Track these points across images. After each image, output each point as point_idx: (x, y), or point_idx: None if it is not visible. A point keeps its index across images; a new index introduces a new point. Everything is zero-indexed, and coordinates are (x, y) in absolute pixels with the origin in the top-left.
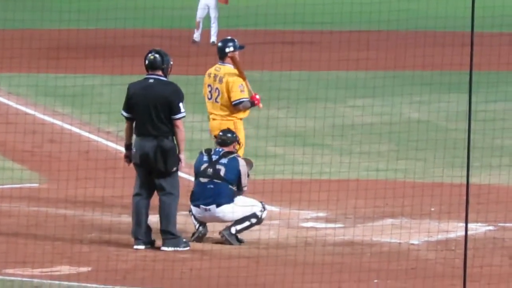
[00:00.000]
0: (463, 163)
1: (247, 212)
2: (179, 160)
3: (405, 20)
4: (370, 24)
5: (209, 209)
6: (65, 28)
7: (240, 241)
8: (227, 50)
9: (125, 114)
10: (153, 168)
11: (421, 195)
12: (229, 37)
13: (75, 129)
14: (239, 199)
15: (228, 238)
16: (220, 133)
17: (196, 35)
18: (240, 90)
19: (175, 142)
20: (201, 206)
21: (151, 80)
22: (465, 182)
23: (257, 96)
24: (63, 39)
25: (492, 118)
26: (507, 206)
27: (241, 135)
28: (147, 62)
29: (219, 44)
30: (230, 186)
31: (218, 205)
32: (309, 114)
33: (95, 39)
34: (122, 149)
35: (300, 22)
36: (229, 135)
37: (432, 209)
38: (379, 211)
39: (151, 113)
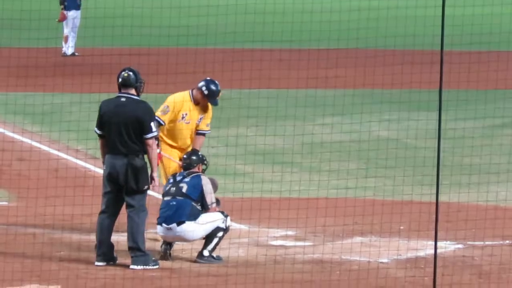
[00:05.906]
0: (432, 181)
1: (208, 229)
2: (152, 179)
3: (374, 38)
4: (339, 42)
5: (171, 228)
6: (34, 47)
7: (218, 259)
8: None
9: (98, 131)
10: (123, 186)
11: (391, 213)
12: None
13: (44, 147)
14: (201, 218)
15: (206, 261)
16: (185, 156)
17: (65, 48)
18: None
19: (147, 160)
20: (163, 224)
21: (123, 99)
22: (434, 200)
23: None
24: (32, 57)
25: (461, 136)
26: (476, 224)
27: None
28: (120, 80)
29: (218, 88)
30: (194, 204)
31: (178, 224)
32: (278, 132)
33: (64, 57)
34: (91, 167)
35: (268, 40)
36: (193, 157)
37: (401, 227)
38: (348, 229)
39: (122, 132)
